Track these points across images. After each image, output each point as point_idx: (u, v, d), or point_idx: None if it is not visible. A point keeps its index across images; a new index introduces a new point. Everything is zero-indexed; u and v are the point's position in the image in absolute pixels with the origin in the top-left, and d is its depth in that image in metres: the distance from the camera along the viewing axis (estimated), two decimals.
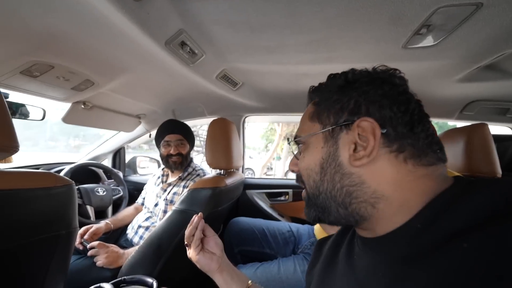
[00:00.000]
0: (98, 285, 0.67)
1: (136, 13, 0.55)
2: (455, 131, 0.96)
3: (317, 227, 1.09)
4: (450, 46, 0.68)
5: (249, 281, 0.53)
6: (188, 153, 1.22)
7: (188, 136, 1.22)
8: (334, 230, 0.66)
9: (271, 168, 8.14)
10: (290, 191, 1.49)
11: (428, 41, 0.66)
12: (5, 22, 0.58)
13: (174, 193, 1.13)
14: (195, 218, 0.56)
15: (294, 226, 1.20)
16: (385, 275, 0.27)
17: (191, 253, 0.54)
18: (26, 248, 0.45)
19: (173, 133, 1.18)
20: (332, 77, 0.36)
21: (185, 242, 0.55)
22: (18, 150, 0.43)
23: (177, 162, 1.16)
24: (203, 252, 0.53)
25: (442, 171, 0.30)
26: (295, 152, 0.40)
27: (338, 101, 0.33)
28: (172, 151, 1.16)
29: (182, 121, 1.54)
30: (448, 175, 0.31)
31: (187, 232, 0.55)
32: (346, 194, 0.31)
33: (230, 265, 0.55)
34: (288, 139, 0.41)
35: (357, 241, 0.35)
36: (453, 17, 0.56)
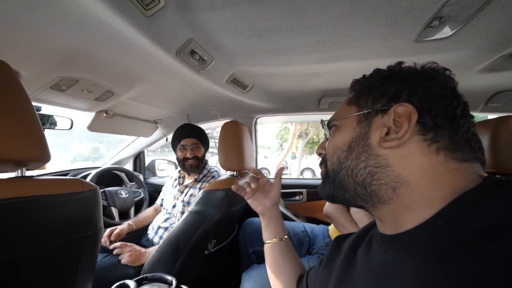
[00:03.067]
0: (122, 281, 0.73)
1: (147, 28, 0.59)
2: (479, 125, 0.90)
3: (331, 227, 1.08)
4: (467, 37, 0.64)
5: (285, 236, 0.60)
6: (203, 155, 1.26)
7: (202, 139, 1.26)
8: (347, 230, 0.66)
9: (287, 167, 8.08)
10: (304, 191, 1.48)
11: (442, 33, 0.63)
12: (37, 44, 0.64)
13: (191, 195, 1.17)
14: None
15: (309, 226, 1.19)
16: (405, 273, 0.26)
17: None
18: (59, 248, 0.51)
19: (188, 137, 1.23)
20: (377, 70, 0.37)
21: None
22: (50, 159, 0.48)
23: (193, 165, 1.21)
24: (253, 198, 0.62)
25: (476, 169, 0.29)
26: (326, 134, 0.40)
27: (380, 88, 0.34)
28: (188, 155, 1.20)
29: (196, 124, 1.60)
30: (482, 175, 0.29)
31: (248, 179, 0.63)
32: (369, 174, 0.31)
33: (274, 217, 0.62)
34: (322, 120, 0.41)
35: (376, 238, 0.35)
36: (467, 7, 0.53)
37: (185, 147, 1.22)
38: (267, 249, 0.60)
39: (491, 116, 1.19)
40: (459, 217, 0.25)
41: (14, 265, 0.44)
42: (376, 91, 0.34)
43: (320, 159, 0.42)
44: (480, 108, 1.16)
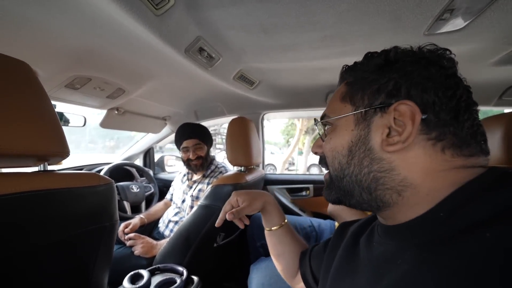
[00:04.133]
0: (137, 271, 0.76)
1: (158, 27, 0.60)
2: (491, 119, 0.87)
3: (338, 223, 1.08)
4: (479, 29, 0.63)
5: (284, 222, 0.60)
6: (207, 153, 1.25)
7: (204, 138, 1.25)
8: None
9: (293, 164, 8.06)
10: (311, 186, 1.49)
11: (453, 25, 0.62)
12: (53, 44, 0.67)
13: (199, 190, 1.20)
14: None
15: (316, 221, 1.20)
16: (404, 261, 0.26)
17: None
18: (79, 238, 0.54)
19: (189, 138, 1.22)
20: (369, 55, 0.33)
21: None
22: (69, 154, 0.51)
23: (198, 164, 1.22)
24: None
25: (482, 163, 0.28)
26: (321, 133, 0.38)
27: (375, 81, 0.31)
28: (191, 156, 1.21)
29: (203, 120, 1.62)
30: (485, 165, 0.28)
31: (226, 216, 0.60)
32: (373, 180, 0.30)
33: (269, 210, 0.61)
34: (315, 119, 0.38)
35: (378, 228, 0.35)
36: None
37: (187, 148, 1.22)
38: (268, 235, 0.62)
39: (507, 110, 1.16)
40: (460, 208, 0.25)
41: (37, 255, 0.47)
42: (372, 85, 0.31)
43: (319, 158, 0.40)
44: (494, 102, 1.13)
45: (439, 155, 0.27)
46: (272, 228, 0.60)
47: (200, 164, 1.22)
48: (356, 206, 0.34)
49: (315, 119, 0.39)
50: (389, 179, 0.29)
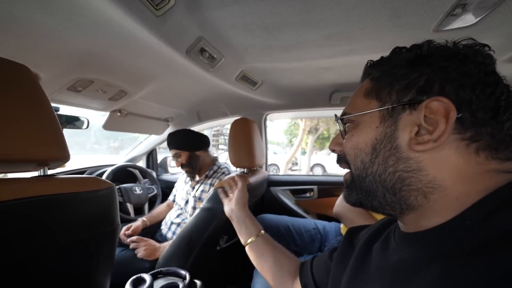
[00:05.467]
0: (139, 275, 0.76)
1: (158, 28, 0.59)
2: None
3: (343, 225, 1.06)
4: (492, 24, 0.60)
5: (261, 232, 0.62)
6: (190, 158, 1.23)
7: (180, 145, 1.24)
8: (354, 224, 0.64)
9: (296, 163, 8.03)
10: (315, 187, 1.47)
11: (465, 21, 0.59)
12: (54, 47, 0.67)
13: (202, 191, 1.19)
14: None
15: (320, 223, 1.18)
16: (427, 272, 0.24)
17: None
18: (80, 243, 0.53)
19: (170, 150, 1.27)
20: (397, 50, 0.31)
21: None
22: (70, 159, 0.50)
23: (188, 171, 1.25)
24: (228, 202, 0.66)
25: None
26: (341, 130, 0.36)
27: (405, 76, 0.29)
28: (176, 164, 1.26)
29: (206, 121, 1.61)
30: None
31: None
32: (398, 180, 0.28)
33: (243, 219, 0.64)
34: (336, 115, 0.36)
35: (395, 235, 0.33)
36: None
37: (173, 158, 1.27)
38: (249, 251, 0.61)
39: None
40: (489, 216, 0.23)
41: (39, 260, 0.47)
42: (401, 81, 0.29)
43: (336, 156, 0.38)
44: None
45: (472, 156, 0.26)
46: (252, 239, 0.60)
47: (188, 170, 1.24)
48: (378, 208, 0.31)
49: (335, 115, 0.37)
50: (416, 179, 0.27)
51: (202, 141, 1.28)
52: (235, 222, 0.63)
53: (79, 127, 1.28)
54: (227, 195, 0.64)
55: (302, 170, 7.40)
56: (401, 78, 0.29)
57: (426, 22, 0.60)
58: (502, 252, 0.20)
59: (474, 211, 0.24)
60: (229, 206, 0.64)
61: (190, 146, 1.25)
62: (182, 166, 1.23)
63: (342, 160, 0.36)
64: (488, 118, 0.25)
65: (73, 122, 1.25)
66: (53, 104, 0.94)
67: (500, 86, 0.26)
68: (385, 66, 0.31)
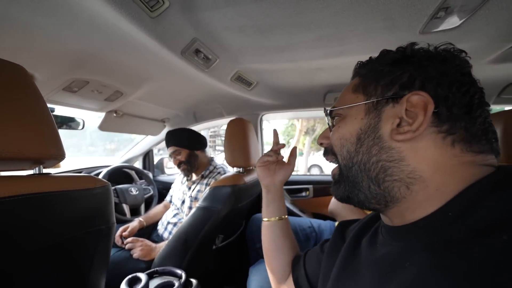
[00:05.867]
0: (134, 274, 0.76)
1: (153, 29, 0.60)
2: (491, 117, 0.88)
3: (338, 223, 1.08)
4: (475, 27, 0.63)
5: (285, 216, 0.59)
6: (190, 156, 1.24)
7: (180, 143, 1.25)
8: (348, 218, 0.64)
9: None
10: (310, 187, 1.48)
11: (449, 24, 0.62)
12: (50, 47, 0.67)
13: (198, 191, 1.20)
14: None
15: (315, 222, 1.20)
16: (413, 264, 0.25)
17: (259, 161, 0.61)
18: (75, 241, 0.53)
19: (168, 147, 1.27)
20: (385, 52, 0.33)
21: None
22: (65, 157, 0.51)
23: (185, 169, 1.25)
24: (264, 167, 0.60)
25: (491, 162, 0.28)
26: (330, 124, 0.38)
27: (390, 73, 0.31)
28: (174, 162, 1.25)
29: (202, 122, 1.62)
30: (495, 164, 0.28)
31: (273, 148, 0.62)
32: (381, 169, 0.30)
33: (279, 194, 0.60)
34: (325, 109, 0.38)
35: (382, 229, 0.34)
36: None
37: (171, 155, 1.27)
38: (266, 227, 0.58)
39: (507, 108, 1.15)
40: (470, 208, 0.24)
41: (32, 258, 0.47)
42: (386, 77, 0.31)
43: (323, 150, 0.40)
44: (493, 100, 1.12)
45: (449, 148, 0.27)
46: (275, 219, 0.57)
47: (185, 169, 1.24)
48: (364, 202, 0.33)
49: (325, 109, 0.38)
50: (397, 169, 0.29)
51: (201, 141, 1.30)
52: (271, 195, 0.59)
53: (75, 128, 1.28)
54: (275, 161, 0.60)
55: (299, 171, 7.42)
56: (386, 74, 0.31)
57: (412, 24, 0.62)
58: (485, 244, 0.21)
59: (455, 203, 0.25)
60: (269, 171, 0.59)
61: (190, 145, 1.26)
62: (180, 164, 1.24)
63: (329, 152, 0.38)
64: (463, 113, 0.27)
65: (68, 122, 1.25)
66: (49, 105, 0.95)
67: (474, 86, 0.29)
68: (373, 65, 0.34)
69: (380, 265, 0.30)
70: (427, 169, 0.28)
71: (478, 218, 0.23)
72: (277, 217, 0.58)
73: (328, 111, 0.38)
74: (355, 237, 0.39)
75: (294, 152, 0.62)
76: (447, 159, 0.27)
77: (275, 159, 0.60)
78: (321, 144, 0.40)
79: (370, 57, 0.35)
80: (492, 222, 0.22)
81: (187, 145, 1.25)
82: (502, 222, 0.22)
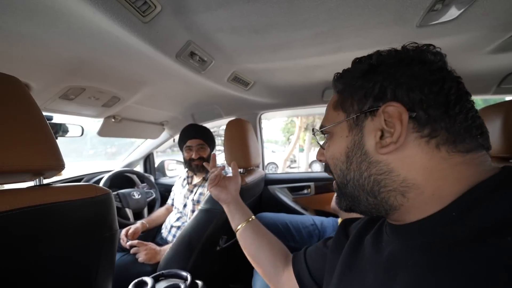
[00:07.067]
0: (140, 278, 0.76)
1: (146, 34, 0.60)
2: (490, 108, 0.86)
3: (341, 220, 1.08)
4: (473, 18, 0.62)
5: (252, 217, 0.64)
6: (209, 156, 1.27)
7: (208, 140, 1.27)
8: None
9: (295, 161, 8.05)
10: (312, 184, 1.48)
11: (446, 16, 0.61)
12: (43, 56, 0.67)
13: (200, 194, 1.20)
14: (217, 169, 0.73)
15: (318, 219, 1.20)
16: (416, 263, 0.25)
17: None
18: (79, 250, 0.54)
19: (194, 138, 1.24)
20: (357, 61, 0.34)
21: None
22: (65, 167, 0.50)
23: (199, 165, 1.23)
24: (217, 186, 0.68)
25: (483, 159, 0.27)
26: (321, 142, 0.39)
27: (362, 87, 0.31)
28: (193, 156, 1.22)
29: (201, 123, 1.62)
30: (492, 164, 0.28)
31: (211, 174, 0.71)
32: (374, 183, 0.30)
33: (239, 202, 0.68)
34: (313, 129, 0.40)
35: (386, 228, 0.34)
36: None
37: (191, 148, 1.24)
38: (240, 235, 0.61)
39: (508, 98, 1.14)
40: (473, 208, 0.24)
41: (38, 267, 0.47)
42: (359, 92, 0.31)
43: (324, 165, 0.41)
44: (493, 90, 1.11)
45: (435, 152, 0.27)
46: (244, 224, 0.61)
47: (201, 165, 1.22)
48: (366, 212, 0.33)
49: (312, 129, 0.40)
50: (390, 180, 0.29)
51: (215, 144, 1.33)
52: (232, 205, 0.65)
53: (74, 135, 1.28)
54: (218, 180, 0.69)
55: (300, 168, 7.43)
56: (359, 89, 0.32)
57: (408, 18, 0.61)
58: (488, 245, 0.21)
59: (459, 203, 0.25)
60: (226, 191, 0.67)
61: (213, 145, 1.30)
62: (200, 158, 1.23)
63: (328, 169, 0.39)
64: (441, 113, 0.27)
65: (67, 130, 1.24)
66: (46, 113, 0.94)
67: (448, 81, 0.28)
68: (346, 79, 0.34)
69: (385, 264, 0.30)
70: (419, 176, 0.28)
71: (481, 218, 0.23)
72: (244, 222, 0.62)
73: (316, 131, 0.39)
74: (358, 234, 0.39)
75: (234, 166, 0.73)
76: (436, 163, 0.27)
77: (219, 171, 0.69)
78: (320, 161, 0.41)
79: (344, 70, 0.35)
80: (495, 223, 0.22)
81: (211, 144, 1.28)
82: (506, 224, 0.21)
